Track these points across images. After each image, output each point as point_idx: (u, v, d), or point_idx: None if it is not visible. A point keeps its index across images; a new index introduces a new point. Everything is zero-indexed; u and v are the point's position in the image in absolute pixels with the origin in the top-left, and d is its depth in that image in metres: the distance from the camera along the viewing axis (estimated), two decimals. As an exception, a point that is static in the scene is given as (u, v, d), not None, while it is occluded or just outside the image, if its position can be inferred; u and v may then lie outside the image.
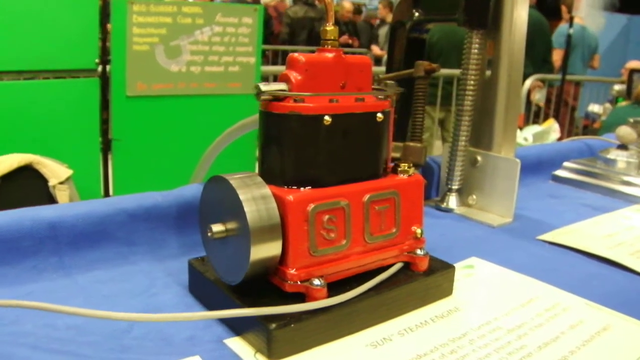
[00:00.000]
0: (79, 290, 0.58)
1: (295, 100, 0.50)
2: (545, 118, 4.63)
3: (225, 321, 0.52)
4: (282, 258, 0.50)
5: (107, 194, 2.68)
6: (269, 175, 0.52)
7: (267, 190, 0.49)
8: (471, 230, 0.80)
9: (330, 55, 0.53)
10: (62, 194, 2.03)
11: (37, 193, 1.84)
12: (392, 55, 0.93)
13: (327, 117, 0.50)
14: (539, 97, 4.66)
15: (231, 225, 0.49)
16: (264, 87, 0.50)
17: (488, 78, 0.84)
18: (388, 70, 0.94)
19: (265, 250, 0.48)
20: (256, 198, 0.48)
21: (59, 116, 2.33)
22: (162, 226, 0.67)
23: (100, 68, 2.44)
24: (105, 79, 2.48)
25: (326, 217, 0.51)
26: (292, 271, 0.50)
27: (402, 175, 0.57)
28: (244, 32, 2.75)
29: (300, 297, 0.50)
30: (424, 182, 0.59)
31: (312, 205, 0.50)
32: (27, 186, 1.82)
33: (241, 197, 0.48)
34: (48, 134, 2.26)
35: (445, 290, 0.60)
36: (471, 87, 0.82)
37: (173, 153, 2.65)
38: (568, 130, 5.00)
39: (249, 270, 0.48)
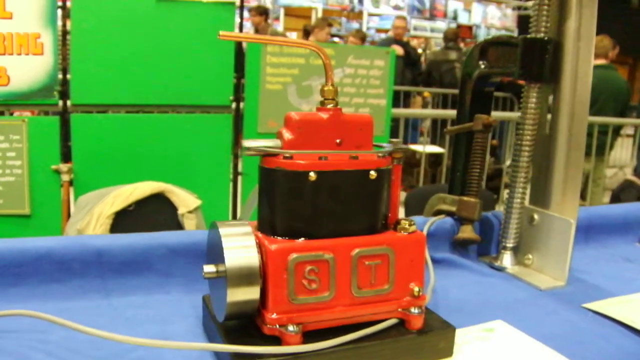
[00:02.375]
0: (109, 312, 0.66)
1: (284, 157, 0.54)
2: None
3: (216, 354, 0.56)
4: (264, 302, 0.53)
5: (236, 221, 2.87)
6: (262, 224, 0.56)
7: (251, 239, 0.53)
8: (514, 292, 0.76)
9: (325, 114, 0.56)
10: (189, 222, 2.22)
11: (167, 220, 2.03)
12: (461, 107, 0.93)
13: (312, 174, 0.53)
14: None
15: (221, 268, 0.54)
16: (248, 144, 0.54)
17: (547, 133, 0.80)
18: (457, 123, 0.94)
19: (243, 293, 0.52)
20: (238, 246, 0.53)
21: (194, 148, 2.55)
22: (200, 262, 0.73)
23: (234, 105, 2.64)
24: (238, 116, 2.68)
25: (308, 267, 0.53)
26: (271, 315, 0.53)
27: (400, 232, 0.58)
28: (375, 74, 2.82)
29: (279, 341, 0.53)
30: (425, 240, 0.59)
31: (293, 256, 0.53)
32: (158, 212, 2.02)
33: (224, 244, 0.52)
34: (182, 164, 2.48)
35: (442, 351, 0.58)
36: (527, 143, 0.80)
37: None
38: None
39: (227, 310, 0.53)
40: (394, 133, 3.82)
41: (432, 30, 9.10)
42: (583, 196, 4.08)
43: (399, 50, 5.52)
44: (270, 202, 0.55)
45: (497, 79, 0.87)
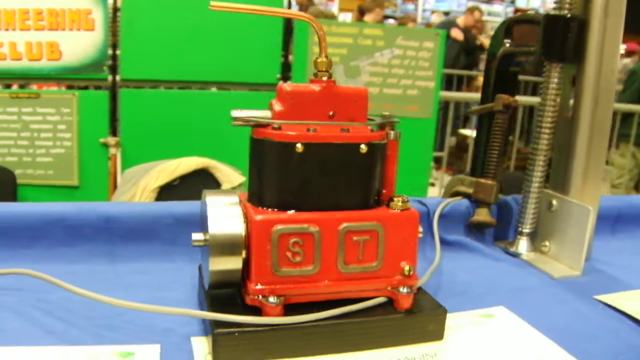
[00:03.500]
0: (111, 276, 0.67)
1: (273, 128, 0.53)
2: None
3: (202, 320, 0.57)
4: (248, 272, 0.53)
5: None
6: (252, 195, 0.56)
7: (236, 209, 0.53)
8: (524, 279, 0.74)
9: (317, 85, 0.55)
10: None
11: (210, 195, 2.06)
12: (485, 87, 0.90)
13: (299, 145, 0.52)
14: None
15: (207, 236, 0.54)
16: (235, 113, 0.54)
17: (570, 116, 0.77)
18: (481, 103, 0.91)
19: (225, 262, 0.52)
20: (223, 215, 0.53)
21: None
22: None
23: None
24: (287, 95, 2.68)
25: (292, 240, 0.53)
26: (253, 286, 0.53)
27: (393, 209, 0.57)
28: (424, 56, 2.76)
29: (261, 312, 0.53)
30: (418, 218, 0.57)
31: (277, 227, 0.52)
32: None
33: (208, 212, 0.53)
34: (227, 141, 2.51)
35: (432, 333, 0.57)
36: (547, 125, 0.76)
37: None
38: None
39: (210, 278, 0.53)
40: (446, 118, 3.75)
41: (490, 14, 8.81)
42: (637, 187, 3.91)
43: (458, 34, 5.39)
44: (259, 173, 0.55)
45: (522, 58, 0.84)
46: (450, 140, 4.00)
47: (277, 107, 0.54)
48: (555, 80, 0.75)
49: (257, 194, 0.55)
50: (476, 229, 0.85)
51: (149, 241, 0.73)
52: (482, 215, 0.82)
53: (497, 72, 0.85)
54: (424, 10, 8.27)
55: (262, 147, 0.54)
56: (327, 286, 0.55)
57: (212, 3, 0.51)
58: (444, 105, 3.92)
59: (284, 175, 0.54)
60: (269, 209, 0.54)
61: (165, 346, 0.53)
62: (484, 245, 0.83)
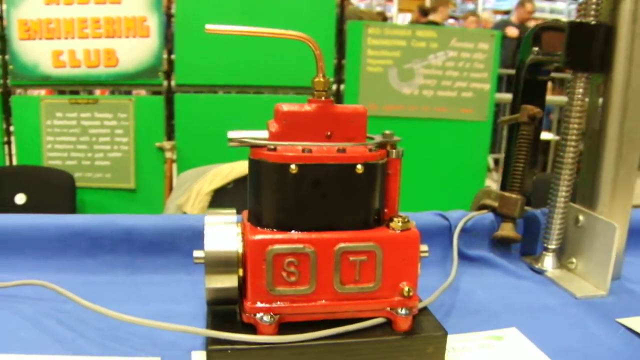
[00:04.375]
0: (128, 287, 0.70)
1: (269, 149, 0.54)
2: None
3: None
4: (245, 291, 0.54)
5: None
6: (251, 215, 0.57)
7: (232, 228, 0.54)
8: (545, 298, 0.71)
9: (312, 106, 0.55)
10: None
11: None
12: (515, 97, 0.87)
13: (292, 166, 0.53)
14: None
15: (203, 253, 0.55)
16: (231, 135, 0.55)
17: (597, 127, 0.73)
18: (511, 113, 0.88)
19: (221, 280, 0.54)
20: (218, 234, 0.54)
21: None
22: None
23: (334, 87, 2.65)
24: (338, 97, 2.69)
25: (287, 260, 0.53)
26: (249, 304, 0.54)
27: (392, 229, 0.56)
28: (479, 57, 2.70)
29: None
30: (418, 238, 0.56)
31: (272, 247, 0.53)
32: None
33: (205, 231, 0.54)
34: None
35: (432, 356, 0.56)
36: (573, 137, 0.73)
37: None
38: None
39: (207, 295, 0.54)
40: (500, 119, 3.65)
41: (552, 11, 8.46)
42: None
43: (513, 32, 5.22)
44: (256, 193, 0.55)
45: (550, 67, 0.81)
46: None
47: (274, 127, 0.55)
48: (581, 90, 0.72)
49: (255, 214, 0.56)
50: (500, 244, 0.82)
51: (169, 253, 0.75)
52: (507, 230, 0.80)
53: (526, 81, 0.82)
54: (484, 10, 8.05)
55: (258, 168, 0.54)
56: (323, 306, 0.55)
57: (207, 27, 0.52)
58: (503, 107, 3.81)
59: (279, 196, 0.54)
60: (267, 229, 0.55)
61: (165, 359, 0.55)
62: (508, 261, 0.80)
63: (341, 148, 0.54)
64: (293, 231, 0.54)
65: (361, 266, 0.55)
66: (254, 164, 0.55)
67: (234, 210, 0.57)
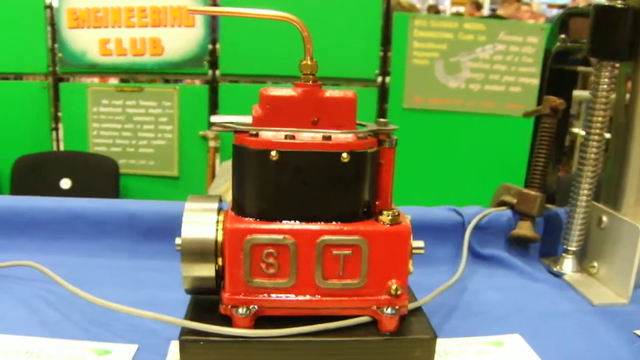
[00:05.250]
0: (125, 272, 0.70)
1: (251, 134, 0.52)
2: None
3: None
4: (224, 281, 0.52)
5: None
6: (234, 203, 0.54)
7: (211, 215, 0.52)
8: (559, 303, 0.66)
9: (298, 90, 0.52)
10: None
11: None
12: (542, 88, 0.82)
13: (273, 153, 0.50)
14: None
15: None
16: (213, 119, 0.53)
17: (624, 121, 0.67)
18: (538, 105, 0.83)
19: (197, 269, 0.52)
20: (197, 222, 0.52)
21: (338, 121, 2.58)
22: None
23: (379, 79, 2.60)
24: (383, 90, 2.64)
25: (266, 251, 0.51)
26: (227, 295, 0.52)
27: (381, 223, 0.53)
28: (528, 51, 2.58)
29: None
30: (409, 233, 0.53)
31: (249, 237, 0.51)
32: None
33: (183, 218, 0.52)
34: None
35: None
36: (597, 131, 0.67)
37: (443, 168, 2.67)
38: None
39: (184, 284, 0.53)
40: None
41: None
42: None
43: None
44: (238, 181, 0.53)
45: (578, 56, 0.75)
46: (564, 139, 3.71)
47: (257, 112, 0.53)
48: (606, 80, 0.66)
49: (238, 203, 0.54)
50: (517, 244, 0.77)
51: (169, 239, 0.74)
52: (524, 228, 0.75)
53: (552, 71, 0.77)
54: (541, 3, 7.73)
55: (239, 154, 0.52)
56: (303, 301, 0.52)
57: (190, 9, 0.50)
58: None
59: (259, 184, 0.52)
60: (248, 218, 0.52)
61: (143, 347, 0.54)
62: (525, 262, 0.75)
63: (327, 135, 0.51)
64: (274, 221, 0.52)
65: (345, 261, 0.52)
66: (235, 150, 0.53)
67: (218, 197, 0.55)
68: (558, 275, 0.73)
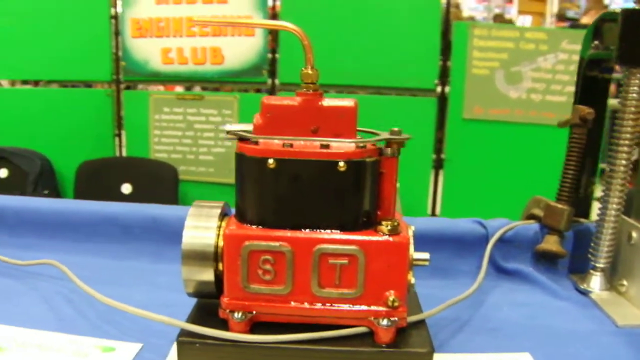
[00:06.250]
0: (145, 275, 0.73)
1: (250, 142, 0.52)
2: None
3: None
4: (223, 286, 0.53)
5: (433, 212, 2.79)
6: (236, 210, 0.55)
7: (212, 221, 0.54)
8: (581, 323, 0.63)
9: (297, 99, 0.53)
10: None
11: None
12: (575, 97, 0.79)
13: (270, 161, 0.51)
14: None
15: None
16: (227, 127, 0.54)
17: (655, 132, 0.64)
18: (573, 113, 0.80)
19: (197, 273, 0.53)
20: (199, 227, 0.54)
21: (396, 130, 2.56)
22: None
23: (439, 89, 2.57)
24: (443, 100, 2.60)
25: (263, 257, 0.52)
26: (225, 300, 0.53)
27: (380, 233, 0.52)
28: (594, 59, 2.47)
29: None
30: (407, 244, 0.52)
31: (247, 243, 0.52)
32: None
33: (186, 222, 0.54)
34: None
35: (415, 374, 0.52)
36: (626, 142, 0.64)
37: (503, 180, 2.59)
38: None
39: (185, 287, 0.54)
40: None
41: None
42: None
43: None
44: (238, 188, 0.54)
45: (611, 64, 0.71)
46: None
47: (258, 121, 0.53)
48: (636, 89, 0.63)
49: (239, 209, 0.55)
50: (544, 259, 0.74)
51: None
52: (550, 243, 0.72)
53: (584, 79, 0.74)
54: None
55: (239, 162, 0.53)
56: (299, 308, 0.52)
57: (193, 19, 0.51)
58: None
59: (258, 191, 0.53)
60: (248, 225, 0.53)
61: (147, 346, 0.56)
62: (550, 278, 0.72)
63: (324, 143, 0.51)
64: (273, 228, 0.52)
65: (342, 270, 0.52)
66: (237, 158, 0.54)
67: (221, 204, 0.56)
68: (584, 292, 0.69)
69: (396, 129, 0.54)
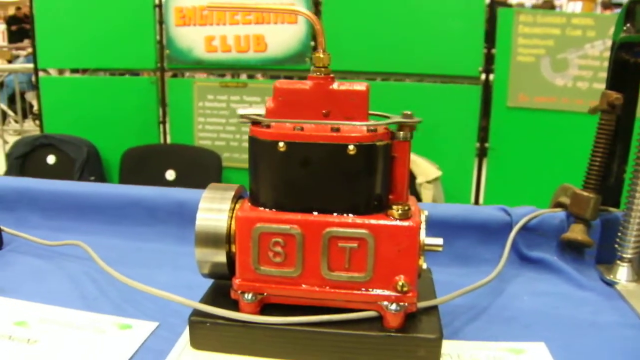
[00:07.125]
0: (167, 257, 0.75)
1: (262, 126, 0.53)
2: None
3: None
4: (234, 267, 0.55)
5: (476, 201, 2.75)
6: (250, 193, 0.56)
7: (225, 204, 0.55)
8: (602, 314, 0.61)
9: (309, 83, 0.53)
10: (426, 193, 2.23)
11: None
12: (606, 82, 0.76)
13: (281, 144, 0.51)
14: None
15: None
16: (241, 111, 0.55)
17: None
18: (607, 98, 0.77)
19: (210, 255, 0.54)
20: (212, 209, 0.55)
21: (440, 118, 2.52)
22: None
23: (483, 77, 2.51)
24: (487, 88, 2.54)
25: (273, 239, 0.52)
26: (237, 281, 0.54)
27: (390, 217, 0.52)
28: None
29: (246, 306, 0.54)
30: (418, 229, 0.51)
31: (257, 225, 0.52)
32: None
33: (200, 204, 0.55)
34: (426, 133, 2.46)
35: None
36: (656, 128, 0.62)
37: (548, 169, 2.53)
38: None
39: (199, 268, 0.55)
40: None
41: None
42: None
43: None
44: (251, 171, 0.55)
45: (645, 46, 0.69)
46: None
47: (270, 105, 0.54)
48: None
49: (252, 192, 0.55)
50: (570, 248, 0.72)
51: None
52: (576, 232, 0.70)
53: (615, 63, 0.71)
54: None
55: (252, 145, 0.54)
56: (309, 291, 0.53)
57: (207, 4, 0.52)
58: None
59: (269, 175, 0.53)
60: (261, 208, 0.54)
61: (163, 325, 0.58)
62: (576, 268, 0.70)
63: (335, 127, 0.51)
64: (284, 211, 0.53)
65: (351, 254, 0.52)
66: (250, 141, 0.54)
67: (236, 186, 0.57)
68: (610, 283, 0.67)
69: (408, 112, 0.54)
